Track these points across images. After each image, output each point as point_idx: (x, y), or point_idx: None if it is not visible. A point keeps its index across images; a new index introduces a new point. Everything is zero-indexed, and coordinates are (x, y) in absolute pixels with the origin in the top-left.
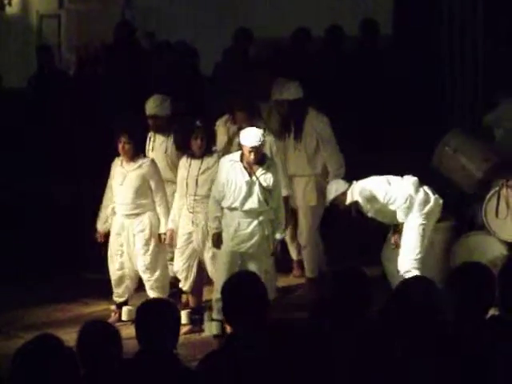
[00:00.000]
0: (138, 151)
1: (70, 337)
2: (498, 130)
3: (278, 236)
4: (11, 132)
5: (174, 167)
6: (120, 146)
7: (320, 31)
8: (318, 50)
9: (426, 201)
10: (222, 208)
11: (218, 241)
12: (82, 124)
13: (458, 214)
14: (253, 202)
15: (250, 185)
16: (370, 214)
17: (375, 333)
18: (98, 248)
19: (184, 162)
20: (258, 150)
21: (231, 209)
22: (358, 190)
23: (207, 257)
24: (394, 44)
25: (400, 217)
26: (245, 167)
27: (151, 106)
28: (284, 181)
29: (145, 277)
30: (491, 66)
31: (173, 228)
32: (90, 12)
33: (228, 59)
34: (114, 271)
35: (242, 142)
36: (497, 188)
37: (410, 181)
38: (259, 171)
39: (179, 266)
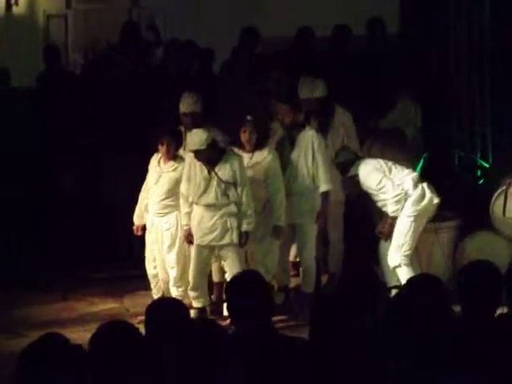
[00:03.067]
0: (175, 153)
1: (77, 335)
2: (408, 129)
3: (243, 228)
4: (19, 130)
5: None
6: (164, 148)
7: (327, 31)
8: (324, 49)
9: (422, 198)
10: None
11: (189, 236)
12: (87, 123)
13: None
14: (211, 197)
15: (209, 180)
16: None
17: (382, 332)
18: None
19: None
20: (201, 152)
21: (195, 203)
22: (360, 168)
23: (251, 249)
24: (401, 42)
25: (388, 209)
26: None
27: (189, 103)
28: (324, 176)
29: (171, 273)
30: (498, 65)
31: None
32: (97, 12)
33: (235, 59)
34: (148, 267)
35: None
36: (504, 187)
37: (410, 176)
38: (218, 166)
39: None
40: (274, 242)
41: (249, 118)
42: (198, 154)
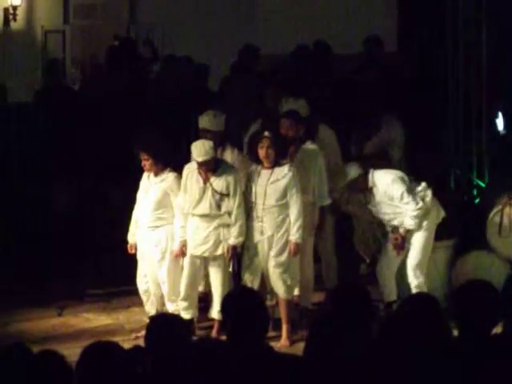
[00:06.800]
0: (163, 165)
1: (72, 352)
2: (393, 150)
3: (231, 241)
4: (17, 145)
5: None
6: (142, 164)
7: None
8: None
9: (439, 212)
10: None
11: (183, 248)
12: (86, 138)
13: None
14: (204, 207)
15: (204, 190)
16: (376, 202)
17: (376, 350)
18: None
19: (254, 170)
20: (207, 162)
21: (191, 214)
22: (380, 177)
23: (270, 266)
24: (399, 60)
25: (406, 221)
26: (200, 173)
27: (204, 120)
28: (325, 190)
29: (163, 288)
30: (494, 74)
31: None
32: (95, 27)
33: (234, 75)
34: (139, 282)
35: (193, 155)
36: (500, 206)
37: (429, 190)
38: (213, 177)
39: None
40: (292, 257)
41: (266, 133)
42: (203, 165)
